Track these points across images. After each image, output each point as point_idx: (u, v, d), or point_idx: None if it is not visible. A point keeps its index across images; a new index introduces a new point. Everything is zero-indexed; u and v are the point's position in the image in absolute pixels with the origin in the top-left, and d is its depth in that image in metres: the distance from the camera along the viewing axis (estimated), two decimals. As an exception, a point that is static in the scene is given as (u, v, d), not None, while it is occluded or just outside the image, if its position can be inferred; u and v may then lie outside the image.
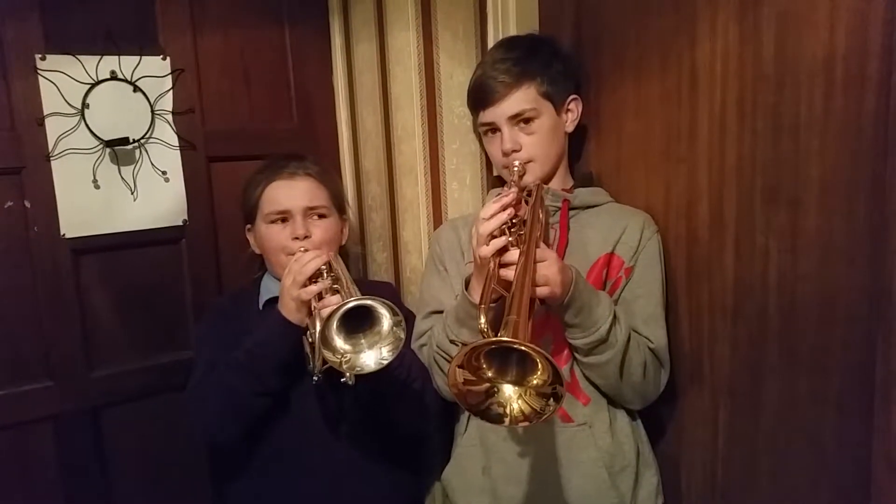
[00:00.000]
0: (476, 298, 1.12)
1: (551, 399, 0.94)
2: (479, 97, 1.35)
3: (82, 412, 1.62)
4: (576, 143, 1.46)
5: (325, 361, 1.18)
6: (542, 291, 1.10)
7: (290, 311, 1.29)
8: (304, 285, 1.27)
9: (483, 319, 1.02)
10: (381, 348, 1.16)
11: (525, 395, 0.97)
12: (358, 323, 1.16)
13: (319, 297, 1.26)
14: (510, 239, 1.11)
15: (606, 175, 1.46)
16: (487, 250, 1.10)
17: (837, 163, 0.99)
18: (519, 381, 0.97)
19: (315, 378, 1.24)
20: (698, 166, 1.23)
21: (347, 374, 1.16)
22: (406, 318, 1.46)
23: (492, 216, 1.12)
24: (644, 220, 1.32)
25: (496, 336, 0.94)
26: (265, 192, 1.48)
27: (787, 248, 1.08)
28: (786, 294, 1.09)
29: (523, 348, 0.91)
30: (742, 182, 1.15)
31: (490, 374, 0.98)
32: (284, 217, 1.45)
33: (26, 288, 1.56)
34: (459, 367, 0.95)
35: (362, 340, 1.17)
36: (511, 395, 0.98)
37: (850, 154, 0.98)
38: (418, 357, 1.37)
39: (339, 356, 1.15)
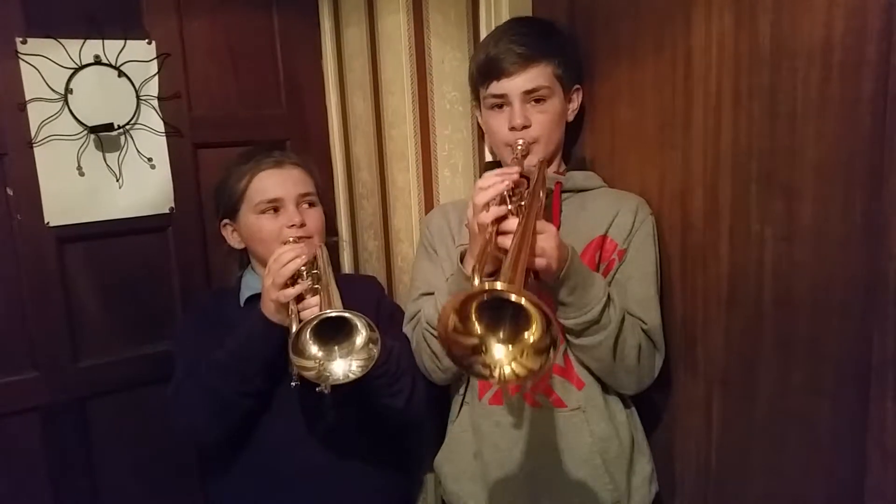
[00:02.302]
0: (470, 270, 1.10)
1: (549, 351, 0.91)
2: (493, 67, 1.31)
3: (68, 403, 1.60)
4: (569, 130, 1.44)
5: None
6: (538, 262, 1.07)
7: (270, 311, 1.27)
8: (285, 286, 1.24)
9: (477, 282, 1.00)
10: (351, 361, 1.16)
11: (521, 356, 0.93)
12: (335, 329, 1.15)
13: (301, 297, 1.24)
14: (510, 208, 1.09)
15: (600, 162, 1.44)
16: (486, 216, 1.08)
17: (834, 149, 0.98)
18: (511, 339, 0.94)
19: (294, 383, 1.22)
20: (693, 153, 1.22)
21: (321, 383, 1.15)
22: (392, 315, 1.43)
23: (489, 186, 1.11)
24: (638, 203, 1.31)
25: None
26: (253, 182, 1.43)
27: (782, 236, 1.07)
28: (781, 282, 1.08)
29: (515, 296, 0.87)
30: (737, 169, 1.13)
31: (479, 331, 0.95)
32: (276, 206, 1.42)
33: (10, 277, 1.53)
34: (455, 309, 0.91)
35: (335, 348, 1.16)
36: (501, 359, 0.95)
37: (847, 140, 0.96)
38: (406, 351, 1.35)
39: (312, 364, 1.14)
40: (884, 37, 0.90)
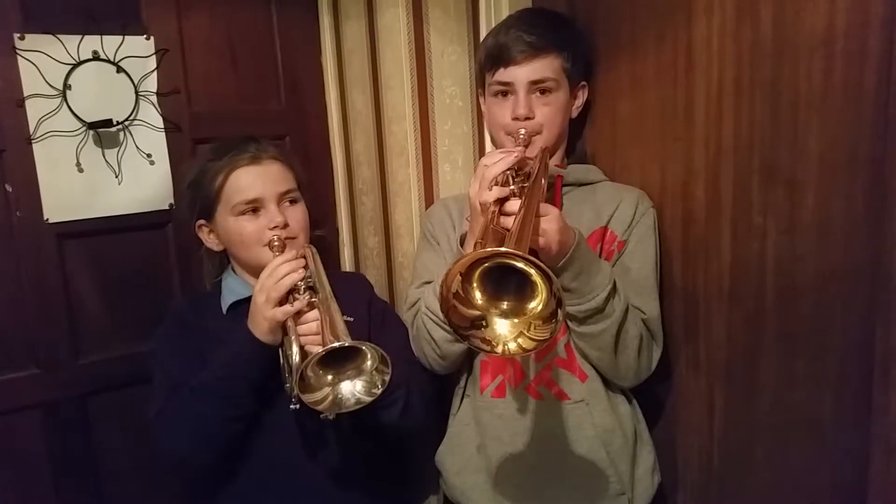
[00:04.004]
0: (470, 250, 1.09)
1: (556, 315, 0.89)
2: (501, 54, 1.30)
3: (69, 400, 1.60)
4: (573, 126, 1.43)
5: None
6: (539, 241, 1.06)
7: (262, 331, 1.18)
8: (280, 303, 1.17)
9: None
10: (356, 382, 1.11)
11: (528, 330, 0.92)
12: (342, 355, 1.09)
13: (297, 312, 1.18)
14: (513, 188, 1.09)
15: (601, 155, 1.44)
16: (489, 195, 1.07)
17: (836, 140, 0.97)
18: (516, 313, 0.93)
19: (294, 407, 1.14)
20: (694, 145, 1.21)
21: (330, 412, 1.11)
22: (384, 314, 1.36)
23: (496, 161, 1.10)
24: (638, 195, 1.31)
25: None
26: (229, 181, 1.32)
27: (784, 227, 1.06)
28: (783, 275, 1.07)
29: (521, 260, 0.87)
30: (739, 161, 1.12)
31: (481, 302, 0.93)
32: (255, 207, 1.32)
33: (10, 274, 1.53)
34: (461, 272, 0.90)
35: (342, 371, 1.11)
36: (504, 334, 0.94)
37: (849, 131, 0.95)
38: (401, 362, 1.26)
39: (323, 395, 1.09)
40: (886, 26, 0.89)
